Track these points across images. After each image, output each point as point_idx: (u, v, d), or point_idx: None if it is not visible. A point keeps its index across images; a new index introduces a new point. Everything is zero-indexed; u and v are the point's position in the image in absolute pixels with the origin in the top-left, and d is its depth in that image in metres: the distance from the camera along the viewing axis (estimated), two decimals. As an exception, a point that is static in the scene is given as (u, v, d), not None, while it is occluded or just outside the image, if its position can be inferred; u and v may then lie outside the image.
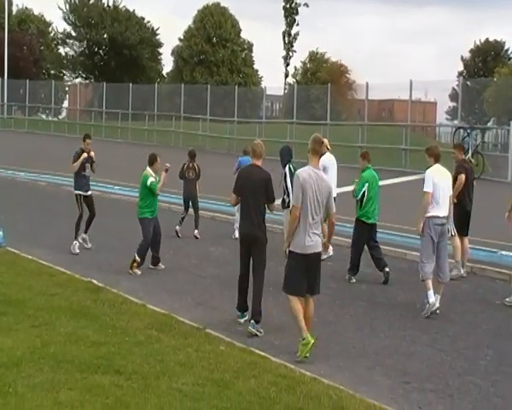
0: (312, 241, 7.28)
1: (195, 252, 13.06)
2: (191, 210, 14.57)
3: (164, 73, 75.14)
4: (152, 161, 11.54)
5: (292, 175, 9.86)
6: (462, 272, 11.09)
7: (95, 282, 9.80)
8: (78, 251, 12.44)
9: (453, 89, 37.27)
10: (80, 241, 12.71)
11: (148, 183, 11.32)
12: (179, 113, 41.64)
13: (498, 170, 24.94)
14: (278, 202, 9.31)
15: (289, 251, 7.40)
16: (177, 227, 14.31)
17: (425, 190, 9.18)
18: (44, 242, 13.16)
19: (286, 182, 10.44)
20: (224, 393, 5.85)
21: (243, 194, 8.44)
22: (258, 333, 8.04)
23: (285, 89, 56.70)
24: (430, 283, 8.98)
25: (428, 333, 8.33)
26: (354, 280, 10.80)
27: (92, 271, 10.70)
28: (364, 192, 10.76)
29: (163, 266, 11.52)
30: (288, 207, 9.91)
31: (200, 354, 6.85)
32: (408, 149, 29.14)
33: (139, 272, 11.12)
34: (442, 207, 9.14)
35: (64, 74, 71.45)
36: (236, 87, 41.02)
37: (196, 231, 14.27)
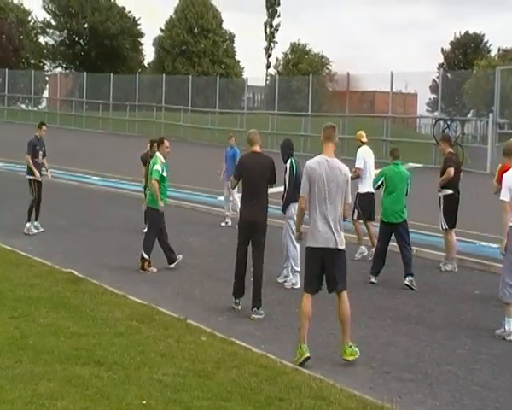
0: (326, 233, 6.76)
1: (175, 242, 13.00)
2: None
3: (145, 63, 74.70)
4: (159, 143, 11.27)
5: (292, 170, 9.83)
6: (451, 267, 11.14)
7: (75, 273, 9.74)
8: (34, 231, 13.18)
9: (433, 81, 37.49)
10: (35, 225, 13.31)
11: (154, 168, 10.92)
12: (161, 103, 41.48)
13: (477, 161, 25.16)
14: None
15: (306, 247, 7.05)
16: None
17: (501, 198, 7.90)
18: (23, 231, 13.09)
19: (285, 177, 10.00)
20: (204, 383, 5.85)
21: (249, 180, 8.60)
22: (260, 317, 8.35)
23: (267, 80, 56.70)
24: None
25: (408, 324, 8.40)
26: (373, 280, 10.27)
27: (72, 262, 10.62)
28: (380, 186, 10.46)
29: (155, 270, 10.82)
30: (286, 205, 9.90)
31: (181, 345, 6.84)
32: (389, 141, 29.27)
33: (155, 270, 10.72)
34: None
35: (44, 64, 70.72)
36: (218, 78, 40.95)
37: None
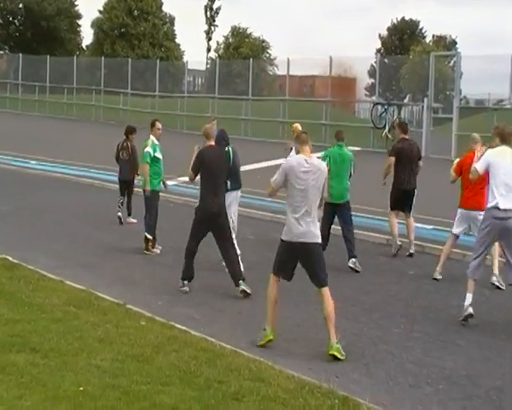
0: (301, 230, 6.85)
1: (117, 227, 12.90)
2: None
3: (83, 45, 73.23)
4: (151, 126, 11.26)
5: (229, 158, 9.76)
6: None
7: (10, 259, 9.53)
8: None
9: (372, 66, 37.99)
10: None
11: (145, 150, 10.96)
12: (100, 86, 40.72)
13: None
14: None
15: (280, 239, 7.11)
16: (119, 213, 13.14)
17: (475, 166, 8.11)
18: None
19: None
20: (143, 368, 5.83)
21: (210, 173, 8.85)
22: (248, 289, 8.60)
23: (207, 64, 56.30)
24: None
25: (346, 305, 8.51)
26: None
27: (9, 248, 10.36)
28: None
29: (158, 251, 10.95)
30: (227, 190, 9.84)
31: (119, 330, 6.79)
32: (328, 124, 29.57)
33: (158, 251, 10.84)
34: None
35: (-24, 44, 68.53)
36: (158, 61, 40.47)
37: (129, 217, 13.15)
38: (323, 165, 7.21)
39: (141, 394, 5.30)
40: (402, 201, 11.27)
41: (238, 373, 5.86)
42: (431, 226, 12.81)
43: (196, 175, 9.06)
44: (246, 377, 5.81)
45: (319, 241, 6.99)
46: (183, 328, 7.14)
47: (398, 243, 11.23)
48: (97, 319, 7.12)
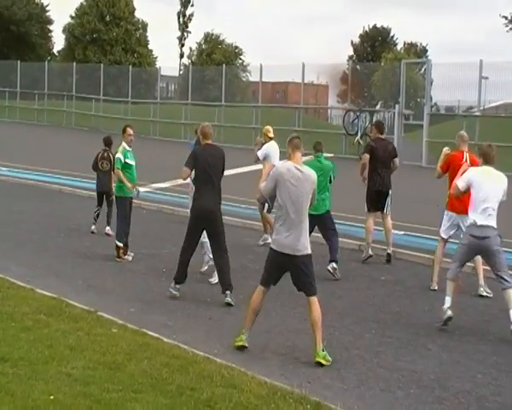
0: (291, 241, 6.80)
1: (88, 235, 12.80)
2: None
3: (55, 51, 72.64)
4: (122, 132, 11.14)
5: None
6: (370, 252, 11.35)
7: (-21, 267, 9.41)
8: None
9: (344, 72, 38.24)
10: None
11: (116, 157, 10.96)
12: (71, 92, 40.46)
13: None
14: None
15: (270, 247, 7.09)
16: (93, 227, 12.91)
17: (456, 182, 8.26)
18: None
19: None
20: (115, 375, 5.79)
21: (205, 172, 8.75)
22: (232, 302, 8.60)
23: (180, 70, 56.26)
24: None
25: (318, 310, 8.57)
26: None
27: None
28: None
29: (130, 258, 10.87)
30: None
31: (91, 338, 6.74)
32: (301, 131, 29.68)
33: (130, 258, 10.78)
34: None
35: None
36: (130, 67, 40.32)
37: (108, 228, 12.69)
38: (314, 173, 7.06)
39: (112, 402, 5.26)
40: (376, 202, 11.28)
41: (210, 380, 5.86)
42: (402, 232, 12.93)
43: (191, 171, 8.89)
44: (218, 383, 5.80)
45: (309, 252, 6.94)
46: (156, 335, 7.11)
47: (370, 252, 11.28)
48: (68, 326, 7.06)
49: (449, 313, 7.90)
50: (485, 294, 9.41)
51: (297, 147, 7.00)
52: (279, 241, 6.88)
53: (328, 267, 10.19)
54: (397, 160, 11.45)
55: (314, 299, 6.97)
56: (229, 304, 8.62)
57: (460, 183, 8.11)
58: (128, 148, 11.06)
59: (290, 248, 6.83)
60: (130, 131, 11.11)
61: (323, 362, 6.68)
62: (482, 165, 8.10)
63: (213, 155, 8.89)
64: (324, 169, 10.30)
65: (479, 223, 7.78)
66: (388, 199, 11.29)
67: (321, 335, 6.82)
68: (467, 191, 8.10)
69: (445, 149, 9.81)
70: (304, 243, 6.88)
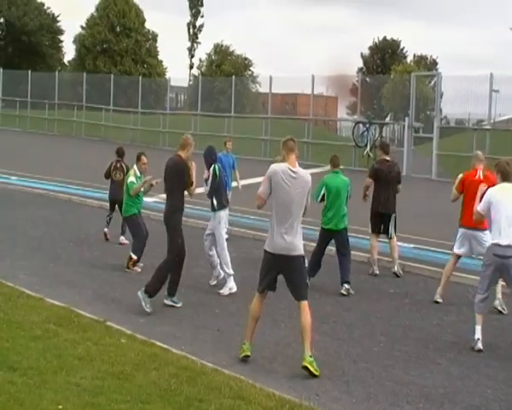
0: (285, 242, 6.80)
1: (98, 244, 12.83)
2: None
3: (65, 61, 72.99)
4: (136, 159, 11.41)
5: (215, 175, 9.80)
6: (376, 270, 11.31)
7: (-11, 275, 9.45)
8: None
9: (353, 84, 38.29)
10: None
11: (128, 181, 11.21)
12: (81, 102, 40.66)
13: (395, 164, 25.81)
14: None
15: (264, 250, 7.05)
16: (106, 229, 13.11)
17: (478, 209, 8.06)
18: None
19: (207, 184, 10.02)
20: (123, 386, 5.80)
21: (175, 183, 8.89)
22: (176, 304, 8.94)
23: (190, 80, 56.49)
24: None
25: (327, 322, 8.56)
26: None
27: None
28: (323, 198, 10.21)
29: (139, 269, 10.96)
30: (215, 210, 9.93)
31: (100, 348, 6.75)
32: (310, 143, 29.79)
33: (139, 270, 10.86)
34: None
35: (-44, 59, 68.03)
36: (140, 77, 40.49)
37: (122, 238, 12.80)
38: (308, 175, 7.04)
39: (120, 412, 5.27)
40: (379, 224, 11.25)
41: (219, 392, 5.85)
42: (412, 245, 12.90)
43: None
44: (226, 395, 5.80)
45: (302, 253, 6.94)
46: (164, 346, 7.11)
47: (376, 271, 11.25)
48: (77, 336, 7.07)
49: (478, 345, 7.73)
50: (499, 308, 9.30)
51: (291, 149, 7.01)
52: (274, 242, 6.87)
53: (342, 291, 10.00)
54: (400, 186, 11.39)
55: (305, 304, 6.94)
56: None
57: (480, 207, 8.01)
58: (139, 174, 11.30)
59: (286, 250, 6.83)
60: (144, 159, 11.34)
61: (311, 368, 6.64)
62: (500, 182, 8.02)
63: (171, 164, 8.98)
64: (341, 186, 10.23)
65: (502, 243, 7.66)
66: (392, 222, 11.20)
67: (310, 340, 6.78)
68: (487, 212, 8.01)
69: (461, 175, 9.78)
70: (298, 244, 6.89)
